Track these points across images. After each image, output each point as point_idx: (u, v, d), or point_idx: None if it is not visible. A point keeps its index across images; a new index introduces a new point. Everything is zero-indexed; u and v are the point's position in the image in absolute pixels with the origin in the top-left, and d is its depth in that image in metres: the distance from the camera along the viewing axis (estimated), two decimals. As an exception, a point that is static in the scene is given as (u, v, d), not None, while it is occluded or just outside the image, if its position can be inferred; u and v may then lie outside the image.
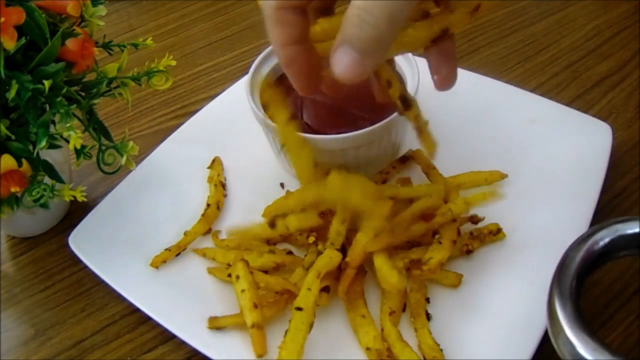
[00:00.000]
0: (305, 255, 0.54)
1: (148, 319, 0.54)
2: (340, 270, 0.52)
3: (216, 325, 0.51)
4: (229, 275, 0.54)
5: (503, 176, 0.60)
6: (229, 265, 0.55)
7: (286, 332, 0.47)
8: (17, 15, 0.47)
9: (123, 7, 0.99)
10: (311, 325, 0.48)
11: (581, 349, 0.38)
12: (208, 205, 0.61)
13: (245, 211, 0.61)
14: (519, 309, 0.50)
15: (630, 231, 0.43)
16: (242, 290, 0.50)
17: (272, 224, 0.53)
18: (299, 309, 0.48)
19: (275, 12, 0.40)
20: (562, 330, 0.39)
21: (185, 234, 0.59)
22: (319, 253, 0.53)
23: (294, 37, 0.41)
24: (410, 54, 0.61)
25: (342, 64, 0.36)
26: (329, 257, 0.51)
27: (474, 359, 0.48)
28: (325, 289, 0.52)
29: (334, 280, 0.52)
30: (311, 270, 0.50)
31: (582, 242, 0.44)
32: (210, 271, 0.56)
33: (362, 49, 0.36)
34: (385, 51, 0.37)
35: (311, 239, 0.54)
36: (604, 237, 0.44)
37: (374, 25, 0.35)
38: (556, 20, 0.84)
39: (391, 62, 0.50)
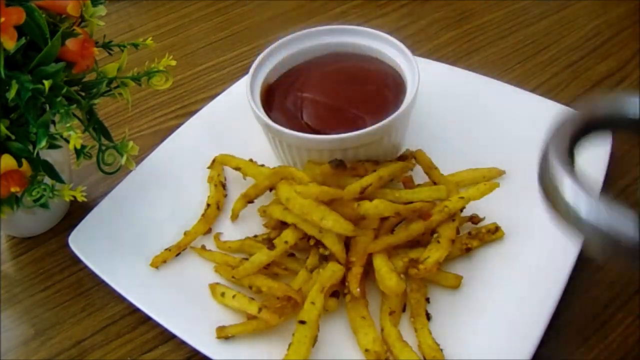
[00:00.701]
0: (307, 258, 0.54)
1: (148, 319, 0.54)
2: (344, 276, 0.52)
3: (224, 334, 0.51)
4: (233, 277, 0.54)
5: (501, 172, 0.60)
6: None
7: (289, 345, 0.47)
8: (17, 15, 0.47)
9: (123, 7, 0.99)
10: (315, 339, 0.48)
11: (585, 209, 0.33)
12: (208, 205, 0.61)
13: (245, 211, 0.61)
14: (518, 309, 0.50)
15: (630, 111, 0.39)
16: (233, 296, 0.51)
17: (270, 246, 0.53)
18: (302, 322, 0.48)
19: None
20: (558, 191, 0.34)
21: (185, 234, 0.59)
22: (321, 255, 0.53)
23: None
24: (409, 54, 0.61)
25: None
26: (332, 271, 0.51)
27: (473, 359, 0.48)
28: (334, 294, 0.52)
29: (340, 284, 0.52)
30: (315, 284, 0.50)
31: (583, 106, 0.41)
32: (217, 269, 0.56)
33: None
34: None
35: (312, 241, 0.54)
36: (604, 105, 0.40)
37: None
38: (556, 20, 0.84)
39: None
